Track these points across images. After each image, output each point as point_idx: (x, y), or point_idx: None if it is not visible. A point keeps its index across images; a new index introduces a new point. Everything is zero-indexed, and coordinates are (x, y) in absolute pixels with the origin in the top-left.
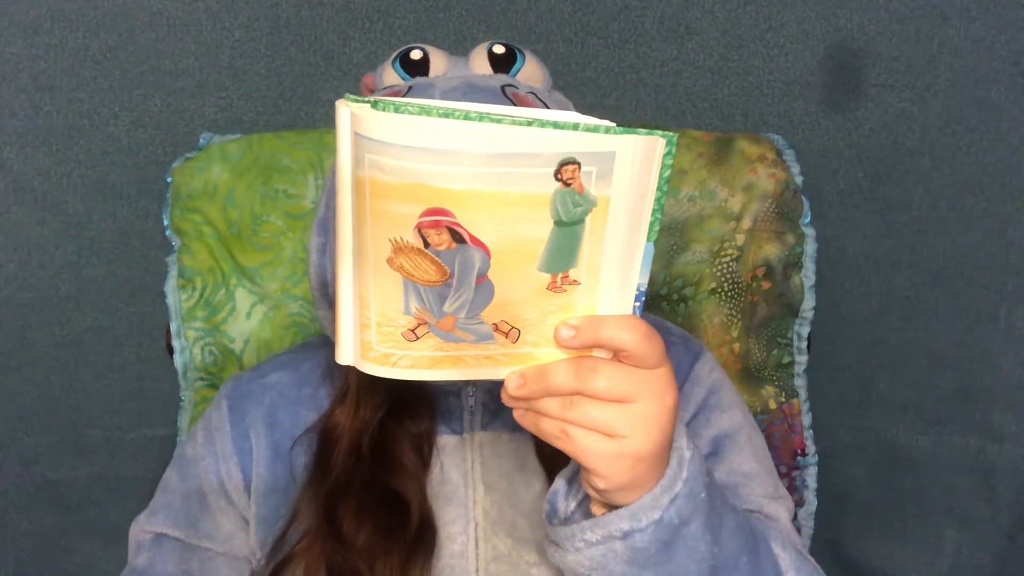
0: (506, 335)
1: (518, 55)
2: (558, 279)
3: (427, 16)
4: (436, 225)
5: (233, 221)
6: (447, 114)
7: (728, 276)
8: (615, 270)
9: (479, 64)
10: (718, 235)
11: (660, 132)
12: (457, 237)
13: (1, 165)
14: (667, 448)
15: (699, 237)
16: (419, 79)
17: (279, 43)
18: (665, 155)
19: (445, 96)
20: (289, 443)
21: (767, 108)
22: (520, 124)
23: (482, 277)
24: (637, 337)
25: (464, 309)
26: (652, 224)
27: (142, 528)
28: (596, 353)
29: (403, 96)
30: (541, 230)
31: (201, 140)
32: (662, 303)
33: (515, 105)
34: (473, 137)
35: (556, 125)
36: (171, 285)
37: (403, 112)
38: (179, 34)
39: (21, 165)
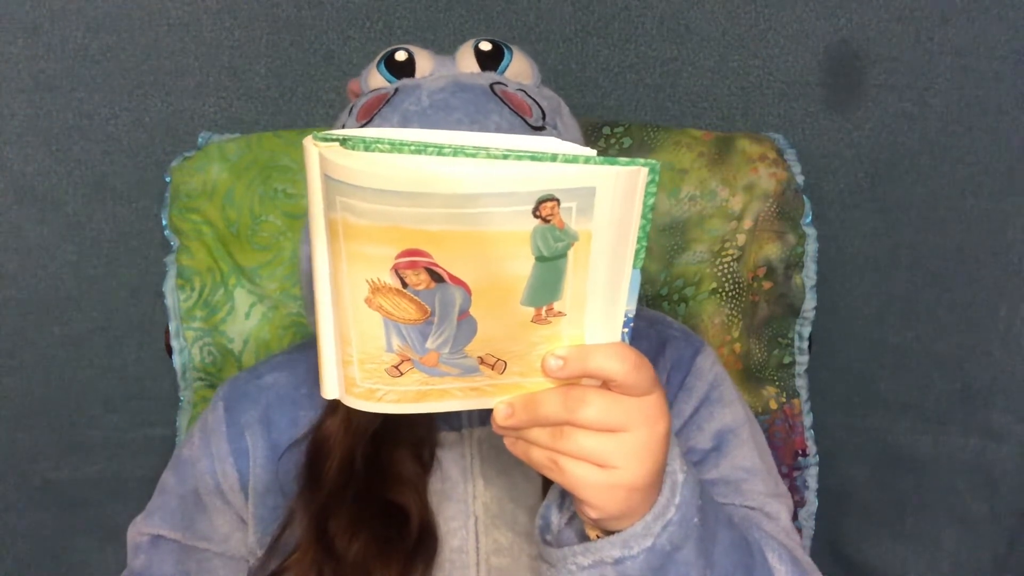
0: (492, 367)
1: (505, 51)
2: (543, 312)
3: (426, 16)
4: (413, 266)
5: (232, 221)
6: (420, 150)
7: (729, 276)
8: (601, 300)
9: (466, 62)
10: (719, 235)
11: (642, 161)
12: (436, 276)
13: (1, 165)
14: (660, 475)
15: (700, 237)
16: (405, 80)
17: (279, 43)
18: (649, 183)
19: (433, 95)
20: (287, 443)
21: (767, 108)
22: (496, 157)
23: (464, 314)
24: (627, 367)
25: (447, 345)
26: (638, 251)
27: (139, 530)
28: (585, 381)
29: (390, 99)
30: (522, 266)
31: (200, 139)
32: (663, 303)
33: (504, 103)
34: (446, 180)
35: (533, 157)
36: (170, 285)
37: (374, 150)
38: (179, 34)
39: (21, 165)
